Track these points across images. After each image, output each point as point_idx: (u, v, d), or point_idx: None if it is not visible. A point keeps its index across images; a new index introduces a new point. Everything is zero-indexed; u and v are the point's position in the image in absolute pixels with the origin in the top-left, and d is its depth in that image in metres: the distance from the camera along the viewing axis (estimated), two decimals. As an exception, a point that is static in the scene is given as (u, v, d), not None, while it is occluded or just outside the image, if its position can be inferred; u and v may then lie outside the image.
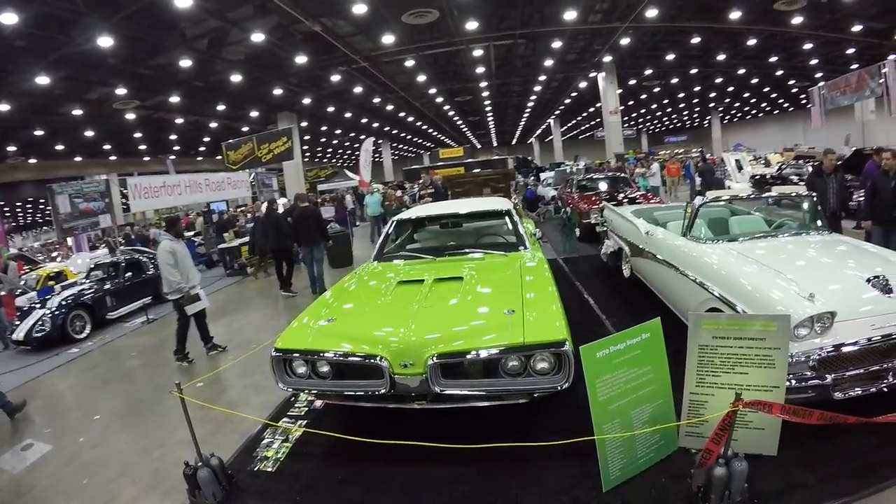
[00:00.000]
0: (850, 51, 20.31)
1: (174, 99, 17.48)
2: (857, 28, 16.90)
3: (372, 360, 3.22)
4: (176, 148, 29.39)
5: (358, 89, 21.25)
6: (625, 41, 18.27)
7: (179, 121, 21.96)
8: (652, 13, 14.61)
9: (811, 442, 2.98)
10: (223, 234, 13.59)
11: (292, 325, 3.77)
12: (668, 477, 2.89)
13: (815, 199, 4.85)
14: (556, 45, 18.23)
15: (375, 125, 32.57)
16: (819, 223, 4.72)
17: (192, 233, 16.46)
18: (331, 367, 3.48)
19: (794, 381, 3.02)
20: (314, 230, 8.70)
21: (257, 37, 12.44)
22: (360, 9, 11.86)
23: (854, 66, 21.01)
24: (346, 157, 52.03)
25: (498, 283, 4.09)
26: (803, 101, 34.89)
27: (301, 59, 14.97)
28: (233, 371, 5.52)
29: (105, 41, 10.89)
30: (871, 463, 2.85)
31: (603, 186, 12.60)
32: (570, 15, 14.49)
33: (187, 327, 6.08)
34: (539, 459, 3.14)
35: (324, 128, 30.71)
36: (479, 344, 3.13)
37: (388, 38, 14.76)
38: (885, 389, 3.10)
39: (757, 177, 15.61)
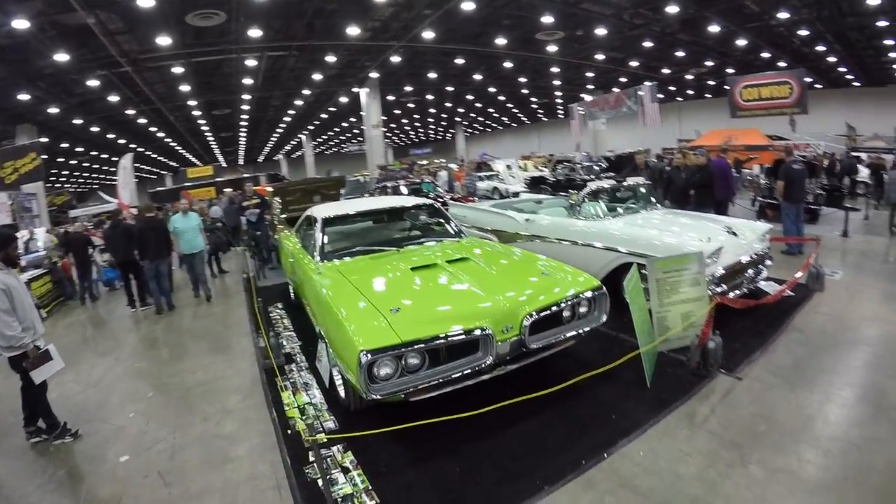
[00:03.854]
0: (590, 74, 27.86)
1: None
2: (599, 56, 23.57)
3: (480, 333, 3.77)
4: None
5: (113, 98, 20.44)
6: (394, 59, 21.47)
7: None
8: (428, 34, 17.87)
9: (726, 328, 5.36)
10: None
11: (357, 328, 3.71)
12: (670, 366, 4.90)
13: (653, 186, 7.88)
14: (329, 58, 20.31)
15: (122, 142, 31.11)
16: (657, 203, 7.72)
17: None
18: (424, 357, 3.71)
19: (709, 292, 5.50)
20: (160, 243, 8.81)
21: (19, 23, 11.18)
22: (146, 2, 11.73)
23: (591, 87, 28.95)
24: (81, 180, 48.86)
25: (497, 258, 5.28)
26: (540, 115, 45.08)
27: (60, 57, 13.79)
28: (159, 427, 4.86)
29: None
30: (761, 331, 5.50)
31: (405, 191, 16.83)
32: (348, 30, 16.68)
33: (44, 389, 4.86)
34: (584, 391, 4.44)
35: (65, 144, 28.39)
36: (555, 298, 4.31)
37: (162, 40, 14.52)
38: (746, 291, 5.95)
39: (533, 178, 20.48)
